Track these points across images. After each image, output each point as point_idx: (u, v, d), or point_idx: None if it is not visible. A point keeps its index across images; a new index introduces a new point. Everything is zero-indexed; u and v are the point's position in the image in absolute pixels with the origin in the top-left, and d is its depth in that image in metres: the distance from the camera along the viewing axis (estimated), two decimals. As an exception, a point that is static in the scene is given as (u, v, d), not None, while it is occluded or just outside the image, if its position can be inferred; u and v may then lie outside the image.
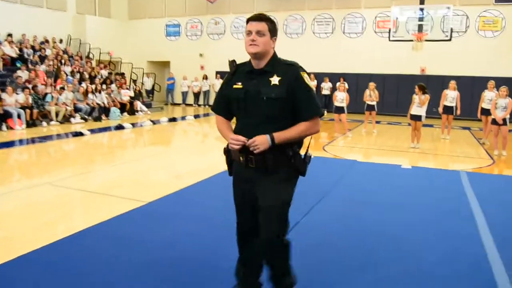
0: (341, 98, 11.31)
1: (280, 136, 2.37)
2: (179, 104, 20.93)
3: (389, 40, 14.26)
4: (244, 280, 2.72)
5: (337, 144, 9.92)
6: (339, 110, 11.41)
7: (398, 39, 14.00)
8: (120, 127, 12.04)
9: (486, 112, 10.29)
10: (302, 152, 2.52)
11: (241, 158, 2.46)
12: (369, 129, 12.19)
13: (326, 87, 17.58)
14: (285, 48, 17.52)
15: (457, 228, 4.37)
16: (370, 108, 11.82)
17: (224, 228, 4.09)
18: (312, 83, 16.79)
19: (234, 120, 2.63)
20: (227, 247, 3.37)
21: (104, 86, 15.60)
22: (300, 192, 2.76)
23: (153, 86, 20.57)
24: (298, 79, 2.39)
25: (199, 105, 20.53)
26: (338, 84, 12.98)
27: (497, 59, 15.59)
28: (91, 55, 18.96)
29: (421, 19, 13.57)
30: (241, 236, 2.67)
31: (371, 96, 11.73)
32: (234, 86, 2.48)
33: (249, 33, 2.39)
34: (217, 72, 20.02)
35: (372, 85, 11.79)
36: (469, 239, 4.07)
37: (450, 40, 13.62)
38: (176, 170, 7.12)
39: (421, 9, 13.51)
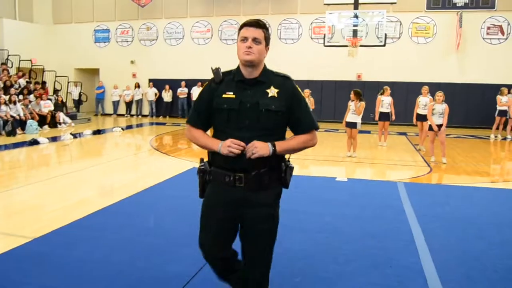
0: None
1: (282, 145, 2.26)
2: (110, 115, 19.62)
3: (324, 45, 13.98)
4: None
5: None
6: None
7: (333, 44, 13.73)
8: (34, 142, 10.73)
9: (422, 117, 10.16)
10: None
11: (226, 178, 2.26)
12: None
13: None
14: (221, 54, 16.91)
15: (396, 256, 3.81)
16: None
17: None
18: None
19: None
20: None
21: (20, 97, 14.15)
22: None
23: (80, 95, 19.12)
24: (295, 92, 2.33)
25: (132, 115, 19.36)
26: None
27: (430, 64, 15.81)
28: (9, 63, 17.29)
29: (355, 24, 13.37)
30: (209, 259, 2.47)
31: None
32: (224, 96, 2.27)
33: (244, 39, 2.25)
34: (150, 80, 19.03)
35: (307, 92, 11.31)
36: (410, 270, 3.51)
37: (384, 45, 13.53)
38: (81, 194, 6.14)
39: (356, 16, 13.30)
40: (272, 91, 2.28)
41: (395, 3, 14.14)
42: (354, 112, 9.04)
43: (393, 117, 10.81)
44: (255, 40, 2.23)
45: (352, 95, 9.20)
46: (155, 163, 8.82)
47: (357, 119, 9.04)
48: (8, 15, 18.68)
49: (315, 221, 4.74)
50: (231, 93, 2.27)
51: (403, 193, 6.10)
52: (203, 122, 2.39)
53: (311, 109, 2.42)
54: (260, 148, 2.18)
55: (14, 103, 13.31)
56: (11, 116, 12.85)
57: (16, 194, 6.04)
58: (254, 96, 2.26)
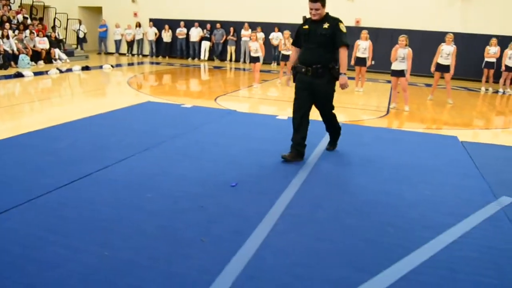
0: (254, 48, 11.04)
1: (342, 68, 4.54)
2: (112, 53, 19.78)
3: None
4: (294, 139, 4.59)
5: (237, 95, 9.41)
6: (254, 59, 11.14)
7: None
8: (19, 75, 11.09)
9: (442, 68, 9.61)
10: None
11: (303, 70, 4.50)
12: (284, 81, 11.67)
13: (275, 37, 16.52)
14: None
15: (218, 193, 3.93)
16: (285, 58, 11.24)
17: None
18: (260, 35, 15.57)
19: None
20: None
21: (16, 32, 14.42)
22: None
23: (85, 33, 19.26)
24: (337, 27, 4.38)
25: (133, 55, 19.48)
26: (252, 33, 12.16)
27: (441, 12, 15.06)
28: (11, -1, 17.46)
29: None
30: (297, 112, 4.58)
31: (285, 45, 11.12)
32: (304, 27, 4.54)
33: (310, 9, 4.40)
34: (150, 20, 18.89)
35: (286, 33, 11.14)
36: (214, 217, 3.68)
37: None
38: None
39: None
40: (326, 25, 4.40)
41: None
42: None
43: (369, 63, 10.56)
44: (316, 10, 4.37)
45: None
46: (114, 97, 9.03)
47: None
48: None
49: (214, 149, 4.88)
50: (307, 26, 4.52)
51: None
52: (297, 43, 4.70)
53: (345, 35, 4.38)
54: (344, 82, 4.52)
55: (7, 37, 13.60)
56: (4, 50, 13.19)
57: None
58: (317, 28, 4.41)
